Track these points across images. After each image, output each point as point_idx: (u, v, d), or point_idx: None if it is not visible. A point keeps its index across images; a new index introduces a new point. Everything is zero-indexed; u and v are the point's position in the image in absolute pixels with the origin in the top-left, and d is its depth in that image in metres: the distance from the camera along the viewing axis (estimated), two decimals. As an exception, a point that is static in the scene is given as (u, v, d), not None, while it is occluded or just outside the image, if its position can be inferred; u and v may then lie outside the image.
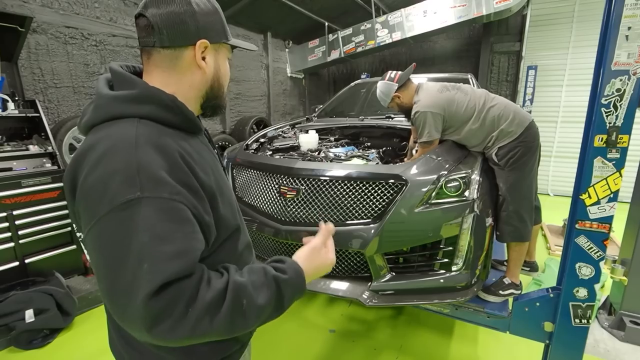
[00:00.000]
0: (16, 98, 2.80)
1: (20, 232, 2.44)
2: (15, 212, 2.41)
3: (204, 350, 0.75)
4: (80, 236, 0.70)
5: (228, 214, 0.76)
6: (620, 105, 1.35)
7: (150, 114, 0.67)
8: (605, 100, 1.36)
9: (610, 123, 1.37)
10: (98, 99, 0.69)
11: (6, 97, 2.64)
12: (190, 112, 0.73)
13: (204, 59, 0.74)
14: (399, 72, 2.09)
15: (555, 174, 5.78)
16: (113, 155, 0.60)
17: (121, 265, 0.56)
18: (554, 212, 4.15)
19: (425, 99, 1.94)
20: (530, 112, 5.30)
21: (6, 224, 2.38)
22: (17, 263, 2.44)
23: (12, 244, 2.41)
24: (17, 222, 2.43)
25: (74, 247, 2.74)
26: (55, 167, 2.67)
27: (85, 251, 0.71)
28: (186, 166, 0.65)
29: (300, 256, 0.79)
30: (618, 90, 1.34)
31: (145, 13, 0.69)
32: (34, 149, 2.69)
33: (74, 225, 0.69)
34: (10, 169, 2.46)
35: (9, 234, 2.40)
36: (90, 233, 0.59)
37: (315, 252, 0.81)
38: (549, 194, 5.83)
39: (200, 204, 0.66)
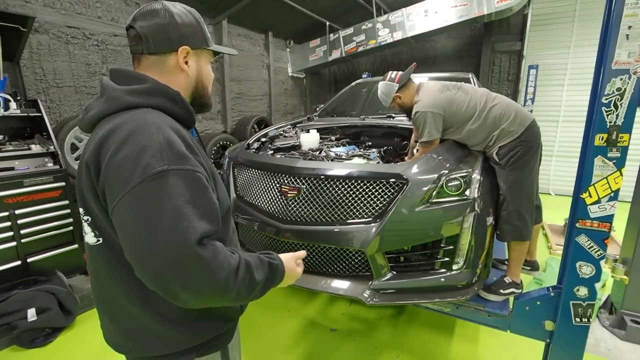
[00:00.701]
0: (18, 98, 2.82)
1: (22, 232, 2.45)
2: (17, 212, 2.43)
3: (204, 326, 0.84)
4: (87, 219, 0.75)
5: (222, 195, 0.87)
6: (620, 104, 1.35)
7: (160, 105, 0.78)
8: (606, 99, 1.36)
9: (610, 122, 1.37)
10: (110, 92, 0.77)
11: (8, 96, 2.65)
12: (190, 107, 0.86)
13: (187, 63, 0.85)
14: (400, 73, 2.09)
15: (556, 173, 5.77)
16: (139, 135, 0.69)
17: (158, 225, 0.64)
18: (555, 212, 4.15)
19: (426, 98, 1.94)
20: (531, 111, 5.29)
21: (8, 224, 2.40)
22: (19, 262, 2.45)
23: (14, 243, 2.42)
24: (19, 222, 2.44)
25: (75, 246, 2.75)
26: (57, 167, 2.68)
27: (93, 233, 0.76)
28: (197, 149, 0.78)
29: (283, 256, 0.93)
30: (618, 89, 1.34)
31: (134, 25, 0.80)
32: (35, 148, 2.70)
33: (80, 209, 0.75)
34: (12, 169, 2.47)
35: (11, 234, 2.41)
36: (123, 200, 0.66)
37: (292, 260, 0.95)
38: (550, 194, 5.83)
39: (211, 179, 0.80)
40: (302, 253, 1.02)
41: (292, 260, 0.95)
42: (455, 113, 1.89)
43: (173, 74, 0.84)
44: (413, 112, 1.96)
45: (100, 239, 0.77)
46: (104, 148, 0.69)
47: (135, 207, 0.65)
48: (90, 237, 0.79)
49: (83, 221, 0.80)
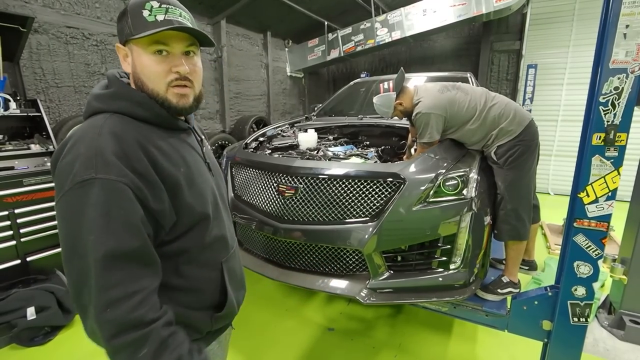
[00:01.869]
0: (18, 97, 2.82)
1: (21, 231, 2.46)
2: (16, 211, 2.43)
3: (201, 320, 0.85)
4: None
5: (195, 203, 0.81)
6: (618, 103, 1.35)
7: (122, 109, 0.77)
8: (603, 98, 1.36)
9: (608, 121, 1.37)
10: (88, 97, 0.80)
11: (8, 96, 2.66)
12: (159, 109, 0.79)
13: (127, 61, 0.80)
14: (391, 81, 2.07)
15: (555, 172, 5.77)
16: (81, 142, 0.70)
17: (75, 233, 0.66)
18: (555, 211, 4.15)
19: (427, 99, 1.93)
20: (530, 110, 5.30)
21: (8, 223, 2.40)
22: (18, 261, 2.45)
23: (13, 243, 2.43)
24: (18, 221, 2.44)
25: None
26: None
27: None
28: (143, 154, 0.72)
29: None
30: (616, 88, 1.34)
31: None
32: (35, 148, 2.70)
33: None
34: (12, 168, 2.47)
35: (10, 233, 2.41)
36: (56, 206, 0.69)
37: None
38: (549, 193, 5.82)
39: (148, 189, 0.71)
40: None
41: None
42: (456, 114, 1.89)
43: (131, 75, 0.82)
44: (414, 113, 1.95)
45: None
46: (59, 153, 0.72)
47: (62, 213, 0.68)
48: None
49: None
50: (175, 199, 0.77)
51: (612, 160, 1.39)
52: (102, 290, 0.63)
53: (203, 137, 1.01)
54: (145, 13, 0.75)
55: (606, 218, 1.44)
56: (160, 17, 0.75)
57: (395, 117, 2.16)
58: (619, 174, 1.39)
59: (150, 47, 0.76)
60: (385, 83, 2.08)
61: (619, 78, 1.33)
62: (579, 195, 1.47)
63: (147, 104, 0.78)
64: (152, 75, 0.77)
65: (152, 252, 0.71)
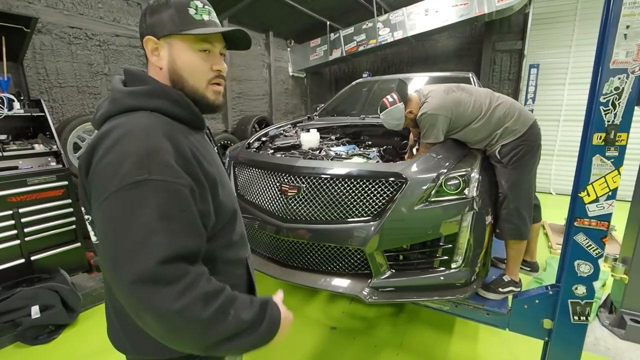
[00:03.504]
0: (21, 98, 2.84)
1: (25, 230, 2.48)
2: (21, 210, 2.45)
3: None
4: (88, 218, 0.75)
5: (227, 201, 0.82)
6: (618, 103, 1.35)
7: (161, 107, 0.75)
8: (604, 98, 1.37)
9: (608, 121, 1.38)
10: (114, 93, 0.76)
11: (12, 96, 2.68)
12: (195, 108, 0.80)
13: (158, 55, 0.78)
14: (394, 93, 2.03)
15: (557, 172, 5.76)
16: (127, 140, 0.66)
17: (126, 237, 0.61)
18: (556, 211, 4.14)
19: (433, 100, 1.93)
20: (532, 110, 5.30)
21: (12, 222, 2.42)
22: (22, 260, 2.48)
23: (17, 242, 2.45)
24: (22, 220, 2.46)
25: (78, 244, 2.78)
26: (60, 166, 2.71)
27: (92, 232, 0.75)
28: (192, 157, 0.72)
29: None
30: (616, 88, 1.35)
31: None
32: (39, 147, 2.72)
33: (82, 208, 0.75)
34: (16, 168, 2.49)
35: (14, 232, 2.44)
36: (100, 207, 0.65)
37: (285, 309, 0.83)
38: (551, 193, 5.82)
39: (199, 191, 0.71)
40: (281, 295, 0.88)
41: (285, 310, 0.82)
42: (461, 114, 1.90)
43: (150, 66, 0.80)
44: (419, 113, 1.95)
45: (96, 238, 0.76)
46: (94, 151, 0.68)
47: (109, 215, 0.64)
48: (92, 236, 0.78)
49: (86, 220, 0.79)
50: (215, 199, 0.77)
51: (612, 160, 1.40)
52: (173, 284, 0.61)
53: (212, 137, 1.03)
54: (192, 11, 0.76)
55: (606, 217, 1.45)
56: (205, 17, 0.78)
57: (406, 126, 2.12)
58: (619, 173, 1.40)
59: (198, 44, 0.78)
60: (389, 97, 2.05)
61: (619, 78, 1.34)
62: (579, 194, 1.47)
63: (185, 103, 0.78)
64: (195, 72, 0.79)
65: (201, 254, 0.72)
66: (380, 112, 2.08)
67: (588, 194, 1.46)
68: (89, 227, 0.79)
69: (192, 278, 0.63)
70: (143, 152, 0.64)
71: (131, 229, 0.61)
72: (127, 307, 0.63)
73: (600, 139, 1.40)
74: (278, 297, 0.85)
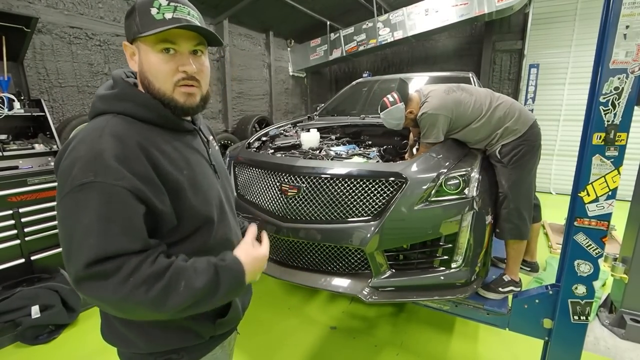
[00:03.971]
0: (22, 97, 2.84)
1: (26, 230, 2.48)
2: (21, 210, 2.45)
3: (160, 336, 0.82)
4: None
5: (199, 207, 0.80)
6: (618, 103, 1.35)
7: (127, 110, 0.76)
8: (604, 98, 1.37)
9: (608, 121, 1.38)
10: (94, 98, 0.80)
11: (12, 96, 2.68)
12: (164, 110, 0.78)
13: (134, 59, 0.80)
14: (394, 93, 2.03)
15: (557, 172, 5.76)
16: (81, 144, 0.70)
17: (72, 235, 0.66)
18: (556, 211, 4.14)
19: (433, 100, 1.93)
20: (532, 110, 5.30)
21: (12, 222, 2.42)
22: (23, 260, 2.47)
23: (18, 242, 2.45)
24: (23, 220, 2.46)
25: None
26: (60, 166, 2.70)
27: None
28: (144, 156, 0.72)
29: (238, 250, 0.83)
30: (616, 88, 1.35)
31: None
32: (39, 147, 2.72)
33: None
34: (16, 168, 2.49)
35: (15, 232, 2.43)
36: (56, 207, 0.69)
37: (248, 247, 0.84)
38: (551, 193, 5.82)
39: (151, 191, 0.71)
40: (253, 229, 0.91)
41: (249, 248, 0.83)
42: (462, 114, 1.90)
43: (137, 74, 0.81)
44: (420, 113, 1.95)
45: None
46: (62, 154, 0.72)
47: (61, 215, 0.68)
48: None
49: None
50: (178, 203, 0.76)
51: (612, 160, 1.40)
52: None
53: (211, 137, 1.00)
54: (154, 11, 0.73)
55: (606, 217, 1.45)
56: (168, 15, 0.74)
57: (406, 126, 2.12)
58: (619, 173, 1.40)
59: (158, 45, 0.74)
60: (389, 96, 2.05)
61: (619, 78, 1.34)
62: (579, 194, 1.48)
63: (152, 105, 0.77)
64: (159, 75, 0.76)
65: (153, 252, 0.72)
66: (381, 112, 2.09)
67: (588, 194, 1.46)
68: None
69: (133, 265, 0.65)
70: (90, 156, 0.67)
71: (75, 229, 0.65)
72: (85, 298, 0.68)
73: (600, 138, 1.40)
74: (249, 236, 0.87)
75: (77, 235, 0.65)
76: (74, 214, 0.66)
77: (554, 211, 4.16)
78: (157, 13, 0.73)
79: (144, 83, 0.78)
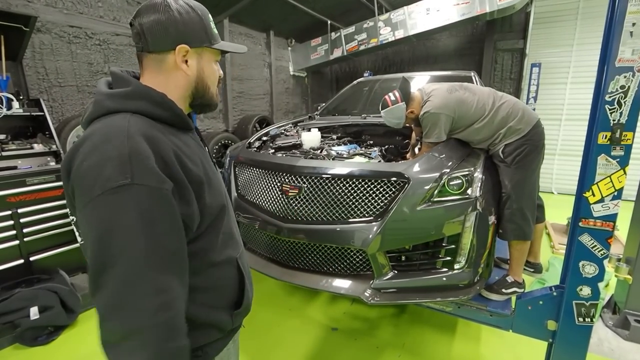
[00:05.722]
0: (21, 97, 2.82)
1: (25, 230, 2.46)
2: (20, 210, 2.43)
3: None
4: (73, 219, 0.76)
5: (213, 201, 0.82)
6: (624, 102, 1.34)
7: (142, 109, 0.75)
8: (609, 97, 1.35)
9: (614, 120, 1.36)
10: (97, 96, 0.77)
11: (11, 96, 2.66)
12: (179, 109, 0.80)
13: (186, 62, 0.81)
14: (396, 91, 2.02)
15: (559, 172, 5.74)
16: (106, 144, 0.66)
17: (110, 242, 0.62)
18: (558, 211, 4.12)
19: (436, 99, 1.91)
20: (534, 109, 5.27)
21: (11, 222, 2.40)
22: (22, 261, 2.46)
23: (17, 242, 2.43)
24: (22, 220, 2.44)
25: (77, 245, 2.76)
26: (59, 166, 2.69)
27: (77, 232, 0.77)
28: (175, 158, 0.72)
29: None
30: (622, 87, 1.33)
31: (134, 22, 0.78)
32: (38, 147, 2.71)
33: (69, 209, 0.76)
34: (15, 168, 2.48)
35: (14, 232, 2.42)
36: (83, 212, 0.65)
37: None
38: (553, 192, 5.80)
39: (181, 193, 0.71)
40: None
41: None
42: (464, 114, 1.88)
43: (171, 73, 0.81)
44: (422, 112, 1.93)
45: (81, 239, 0.76)
46: (75, 155, 0.68)
47: (93, 220, 0.64)
48: (78, 236, 0.79)
49: (71, 221, 0.79)
50: (200, 200, 0.77)
51: (618, 160, 1.38)
52: (153, 294, 0.64)
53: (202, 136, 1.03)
54: (212, 25, 0.86)
55: (612, 217, 1.43)
56: (215, 31, 0.87)
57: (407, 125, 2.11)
58: (625, 173, 1.38)
59: (217, 56, 0.89)
60: (391, 94, 2.03)
61: (625, 77, 1.32)
62: (584, 194, 1.46)
63: (166, 104, 0.78)
64: (215, 81, 0.89)
65: (186, 257, 0.73)
66: (382, 110, 2.07)
67: (593, 194, 1.44)
68: (74, 228, 0.79)
69: (165, 301, 0.65)
70: (125, 156, 0.64)
71: (115, 234, 0.62)
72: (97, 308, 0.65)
73: (605, 138, 1.38)
74: None
75: (116, 240, 0.62)
76: (115, 218, 0.63)
77: (556, 211, 4.13)
78: (213, 28, 0.86)
79: (200, 87, 0.85)
